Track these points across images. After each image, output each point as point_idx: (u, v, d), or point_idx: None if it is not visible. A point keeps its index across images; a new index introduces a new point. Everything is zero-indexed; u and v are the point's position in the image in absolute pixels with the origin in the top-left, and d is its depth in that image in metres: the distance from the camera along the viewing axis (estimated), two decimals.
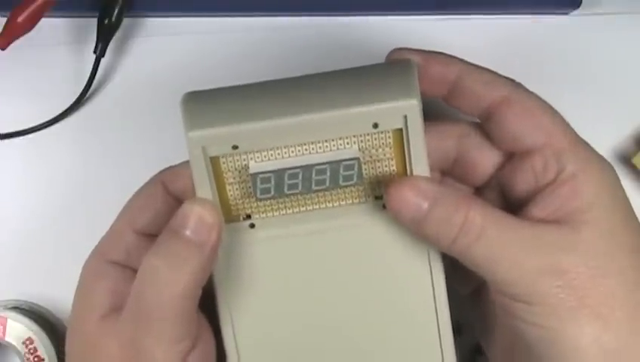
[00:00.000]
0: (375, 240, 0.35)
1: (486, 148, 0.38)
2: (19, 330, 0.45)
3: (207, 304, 0.36)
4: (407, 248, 0.35)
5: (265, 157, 0.33)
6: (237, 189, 0.34)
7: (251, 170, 0.33)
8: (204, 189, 0.34)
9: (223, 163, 0.34)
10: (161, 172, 0.38)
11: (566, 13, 0.50)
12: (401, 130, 0.33)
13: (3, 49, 0.45)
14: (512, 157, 0.37)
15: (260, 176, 0.33)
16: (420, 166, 0.34)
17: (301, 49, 0.50)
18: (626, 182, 0.48)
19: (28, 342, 0.45)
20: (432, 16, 0.50)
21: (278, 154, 0.33)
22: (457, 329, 0.48)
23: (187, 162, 0.34)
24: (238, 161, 0.34)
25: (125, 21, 0.49)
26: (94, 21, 0.48)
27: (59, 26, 0.50)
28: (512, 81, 0.38)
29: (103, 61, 0.48)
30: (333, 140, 0.33)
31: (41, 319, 0.46)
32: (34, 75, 0.50)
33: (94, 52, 0.48)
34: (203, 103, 0.34)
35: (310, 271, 0.35)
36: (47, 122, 0.49)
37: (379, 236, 0.35)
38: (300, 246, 0.35)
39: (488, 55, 0.51)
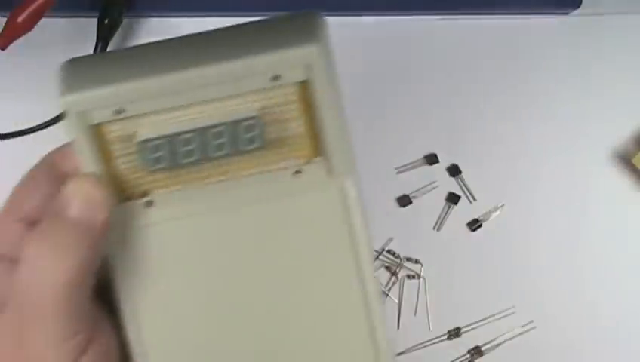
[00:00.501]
0: (288, 213, 0.31)
1: None
2: None
3: (107, 294, 0.32)
4: (326, 221, 0.31)
5: (155, 123, 0.29)
6: (128, 162, 0.30)
7: (139, 138, 0.29)
8: (88, 163, 0.29)
9: (108, 132, 0.29)
10: (50, 152, 0.33)
11: (566, 13, 0.50)
12: (306, 82, 0.29)
13: (3, 49, 0.45)
14: None
15: (150, 143, 0.29)
16: (334, 126, 0.29)
17: None
18: (626, 182, 0.49)
19: None
20: (432, 16, 0.50)
21: (170, 119, 0.29)
22: (456, 332, 0.49)
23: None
24: (125, 128, 0.29)
25: (125, 21, 0.49)
26: (94, 21, 0.48)
27: (59, 26, 0.50)
28: None
29: None
30: (229, 98, 0.29)
31: None
32: (34, 75, 0.50)
33: (94, 52, 0.48)
34: (83, 67, 0.30)
35: (219, 253, 0.31)
36: (47, 122, 0.49)
37: (292, 208, 0.31)
38: (206, 225, 0.31)
39: (488, 55, 0.51)
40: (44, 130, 0.49)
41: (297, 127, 0.30)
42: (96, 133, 0.29)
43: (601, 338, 0.48)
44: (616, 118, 0.50)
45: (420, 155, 0.49)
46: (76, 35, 0.50)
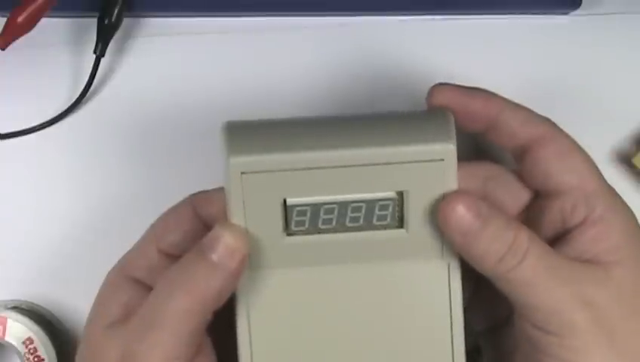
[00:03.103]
0: (399, 283, 0.36)
1: (513, 188, 0.38)
2: (19, 330, 0.45)
3: (218, 330, 0.36)
4: (430, 295, 0.36)
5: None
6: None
7: (288, 202, 0.34)
8: (239, 216, 0.34)
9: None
10: (193, 194, 0.38)
11: (566, 13, 0.50)
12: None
13: (3, 49, 0.45)
14: (538, 198, 0.38)
15: (297, 208, 0.34)
16: None
17: (301, 49, 0.50)
18: (626, 182, 0.49)
19: (28, 342, 0.45)
20: (432, 16, 0.50)
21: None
22: None
23: (220, 188, 0.35)
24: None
25: (125, 21, 0.49)
26: (94, 21, 0.48)
27: (59, 26, 0.50)
28: (549, 120, 0.38)
29: (103, 61, 0.48)
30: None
31: (41, 319, 0.46)
32: (34, 75, 0.50)
33: (94, 52, 0.48)
34: (245, 131, 0.35)
35: (333, 301, 0.36)
36: (47, 122, 0.49)
37: (403, 279, 0.36)
38: (326, 276, 0.36)
39: (488, 55, 0.51)
40: (44, 130, 0.49)
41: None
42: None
43: None
44: (616, 118, 0.50)
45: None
46: (76, 35, 0.50)
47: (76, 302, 0.48)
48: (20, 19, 0.45)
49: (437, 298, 0.36)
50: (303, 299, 0.36)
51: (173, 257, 0.36)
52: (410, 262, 0.36)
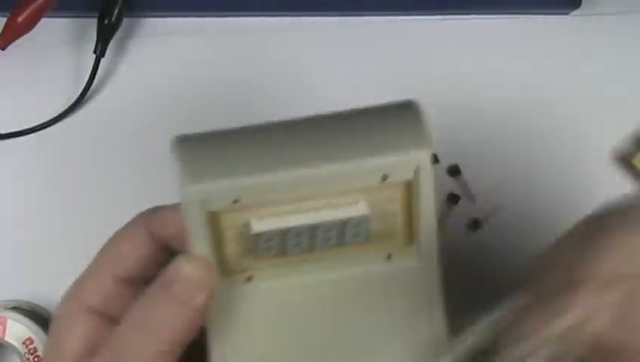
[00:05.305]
0: (376, 292, 0.33)
1: None
2: (19, 330, 0.45)
3: (194, 356, 0.34)
4: (410, 304, 0.34)
5: (268, 212, 0.31)
6: (236, 246, 0.32)
7: (254, 230, 0.31)
8: (201, 246, 0.31)
9: (223, 219, 0.31)
10: (146, 214, 0.35)
11: (566, 13, 0.50)
12: (410, 181, 0.31)
13: (3, 49, 0.46)
14: None
15: (263, 236, 0.31)
16: (428, 220, 0.32)
17: (301, 49, 0.50)
18: (626, 182, 0.49)
19: (28, 342, 0.45)
20: (432, 16, 0.50)
21: (282, 210, 0.31)
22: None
23: (176, 205, 0.32)
24: (238, 216, 0.31)
25: (125, 21, 0.49)
26: (94, 21, 0.48)
27: (59, 26, 0.50)
28: None
29: (103, 61, 0.48)
30: (340, 194, 0.31)
31: (41, 319, 0.46)
32: (34, 75, 0.50)
33: (94, 52, 0.48)
34: (198, 150, 0.31)
35: (309, 321, 0.34)
36: (47, 122, 0.49)
37: (380, 288, 0.34)
38: (298, 297, 0.33)
39: (488, 55, 0.51)
40: (44, 130, 0.49)
41: (396, 220, 0.32)
42: (211, 219, 0.31)
43: None
44: (616, 118, 0.49)
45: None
46: (76, 35, 0.50)
47: None
48: (20, 19, 0.45)
49: (417, 306, 0.34)
50: (277, 317, 0.34)
51: (129, 284, 0.35)
52: (386, 271, 0.33)
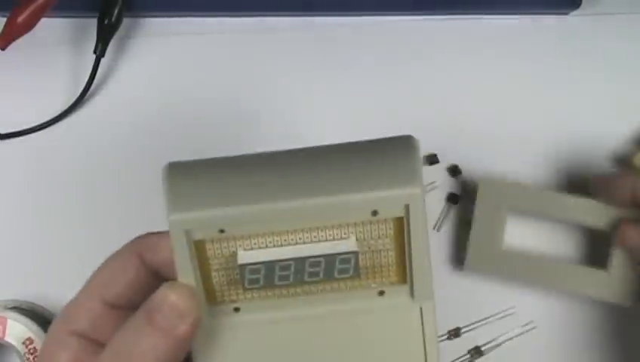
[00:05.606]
0: (367, 328, 0.33)
1: None
2: (19, 330, 0.45)
3: None
4: (403, 337, 0.33)
5: (254, 244, 0.31)
6: (222, 276, 0.32)
7: (240, 261, 0.31)
8: (186, 275, 0.31)
9: (209, 249, 0.31)
10: (137, 241, 0.35)
11: (566, 13, 0.50)
12: (401, 218, 0.31)
13: (3, 49, 0.45)
14: None
15: (249, 267, 0.31)
16: (421, 257, 0.32)
17: (300, 49, 0.50)
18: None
19: (28, 342, 0.45)
20: (433, 16, 0.50)
21: (269, 241, 0.31)
22: (456, 332, 0.49)
23: (167, 232, 0.32)
24: (225, 246, 0.31)
25: (125, 21, 0.49)
26: (94, 21, 0.48)
27: (59, 26, 0.50)
28: None
29: (103, 61, 0.48)
30: (328, 228, 0.31)
31: (41, 319, 0.46)
32: (34, 75, 0.50)
33: (94, 52, 0.48)
34: (187, 179, 0.31)
35: (295, 355, 0.33)
36: (47, 122, 0.49)
37: (371, 325, 0.33)
38: (286, 332, 0.33)
39: (488, 55, 0.51)
40: (44, 130, 0.49)
41: (387, 256, 0.32)
42: (198, 247, 0.31)
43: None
44: (616, 118, 0.49)
45: (420, 155, 0.49)
46: (76, 35, 0.50)
47: None
48: (20, 19, 0.45)
49: (410, 343, 0.33)
50: (263, 349, 0.33)
51: (118, 308, 0.35)
52: (377, 307, 0.33)
